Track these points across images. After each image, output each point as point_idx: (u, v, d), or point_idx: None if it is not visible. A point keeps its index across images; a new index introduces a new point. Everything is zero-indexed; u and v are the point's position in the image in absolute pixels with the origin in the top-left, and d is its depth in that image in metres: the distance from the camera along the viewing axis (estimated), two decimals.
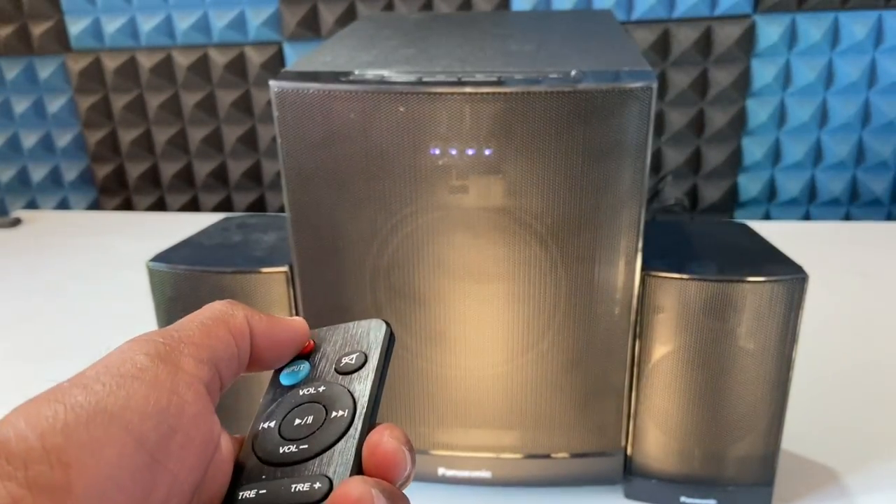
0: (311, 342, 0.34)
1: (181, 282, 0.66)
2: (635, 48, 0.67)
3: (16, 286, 1.24)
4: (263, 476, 0.29)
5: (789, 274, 0.61)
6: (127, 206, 1.61)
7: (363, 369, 0.32)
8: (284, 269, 0.65)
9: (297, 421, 0.31)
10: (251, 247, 0.70)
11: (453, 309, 0.63)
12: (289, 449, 0.29)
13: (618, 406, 0.66)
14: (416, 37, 0.74)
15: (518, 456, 0.68)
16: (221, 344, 0.30)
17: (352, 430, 0.29)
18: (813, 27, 1.30)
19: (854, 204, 1.42)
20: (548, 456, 0.68)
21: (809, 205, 1.44)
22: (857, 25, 1.29)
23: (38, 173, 1.60)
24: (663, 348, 0.64)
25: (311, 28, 1.41)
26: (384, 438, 0.29)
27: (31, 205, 1.64)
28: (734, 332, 0.62)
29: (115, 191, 1.60)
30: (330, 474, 0.28)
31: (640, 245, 0.60)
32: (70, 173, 1.60)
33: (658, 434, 0.67)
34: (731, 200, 1.44)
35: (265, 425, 0.31)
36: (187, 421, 0.27)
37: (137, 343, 0.28)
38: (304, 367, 0.33)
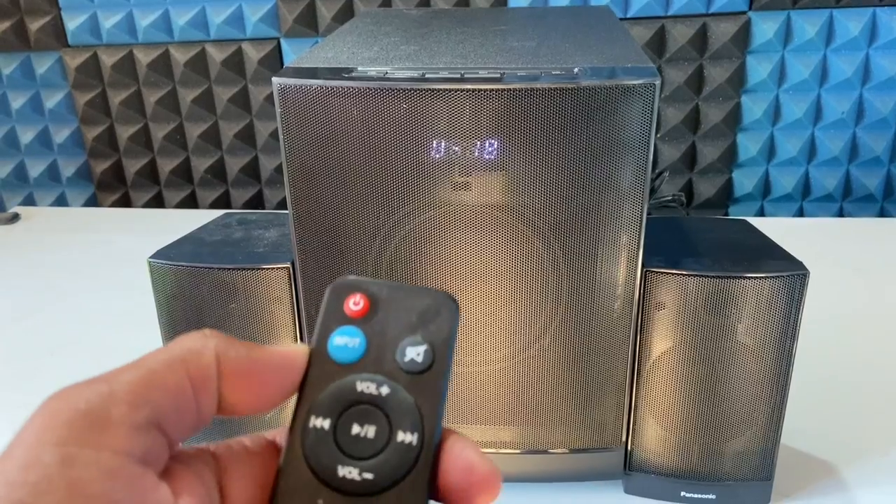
0: (367, 302, 0.29)
1: (182, 278, 0.66)
2: (636, 44, 0.67)
3: (14, 282, 1.24)
4: (320, 501, 0.26)
5: (790, 270, 0.61)
6: (125, 202, 1.61)
7: (431, 372, 0.28)
8: (286, 265, 0.65)
9: (357, 430, 0.27)
10: (253, 243, 0.70)
11: None
12: (349, 473, 0.26)
13: (618, 402, 0.67)
14: (416, 33, 0.74)
15: (519, 451, 0.69)
16: (169, 397, 0.25)
17: (420, 462, 0.26)
18: (807, 24, 1.30)
19: (847, 200, 1.43)
20: (548, 451, 0.69)
21: (803, 201, 1.44)
22: (851, 22, 1.29)
23: (35, 169, 1.60)
24: (664, 344, 0.64)
25: (308, 24, 1.41)
26: (476, 466, 0.26)
27: (29, 201, 1.64)
28: (735, 329, 0.63)
29: (112, 187, 1.60)
30: None
31: (642, 241, 0.61)
32: (67, 169, 1.59)
33: (658, 429, 0.67)
34: (726, 196, 1.45)
35: (316, 422, 0.27)
36: None
37: (49, 420, 0.23)
38: (360, 340, 0.28)
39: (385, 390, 0.27)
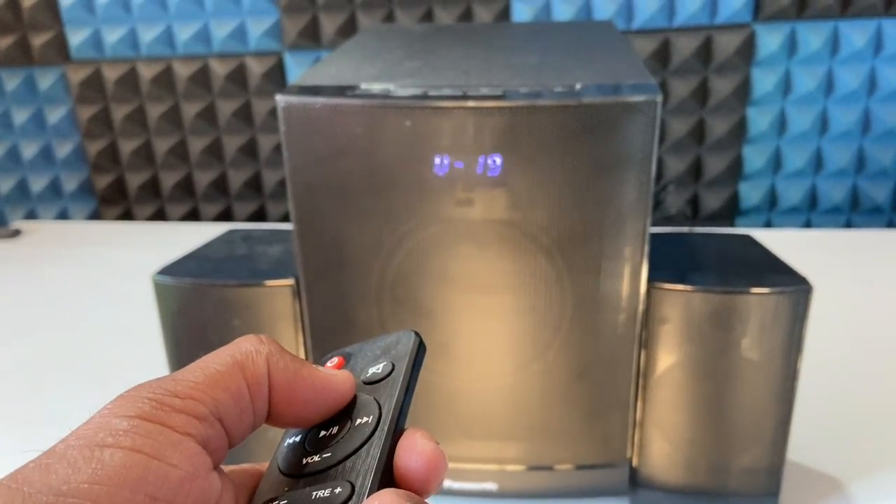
0: (342, 359, 0.33)
1: (187, 295, 0.66)
2: (638, 60, 0.67)
3: (15, 297, 1.24)
4: (286, 488, 0.28)
5: (794, 285, 0.61)
6: (127, 216, 1.61)
7: (390, 378, 0.31)
8: (290, 281, 0.65)
9: (322, 433, 0.30)
10: (256, 259, 0.70)
11: (458, 321, 0.63)
12: (312, 459, 0.29)
13: (623, 417, 0.66)
14: (419, 49, 0.74)
15: (523, 468, 0.68)
16: (230, 396, 0.27)
17: (377, 434, 0.28)
18: (813, 36, 1.30)
19: (855, 212, 1.42)
20: (553, 468, 0.68)
21: (810, 213, 1.44)
22: (856, 34, 1.29)
23: (37, 184, 1.60)
24: (668, 359, 0.64)
25: (311, 38, 1.41)
26: (418, 441, 0.28)
27: (31, 215, 1.64)
28: (739, 344, 0.62)
29: (115, 201, 1.60)
30: (352, 479, 0.27)
31: (646, 256, 0.60)
32: (70, 184, 1.60)
33: (664, 445, 0.67)
34: (732, 209, 1.45)
35: (290, 440, 0.30)
36: (171, 487, 0.24)
37: (122, 402, 0.25)
38: None
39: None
